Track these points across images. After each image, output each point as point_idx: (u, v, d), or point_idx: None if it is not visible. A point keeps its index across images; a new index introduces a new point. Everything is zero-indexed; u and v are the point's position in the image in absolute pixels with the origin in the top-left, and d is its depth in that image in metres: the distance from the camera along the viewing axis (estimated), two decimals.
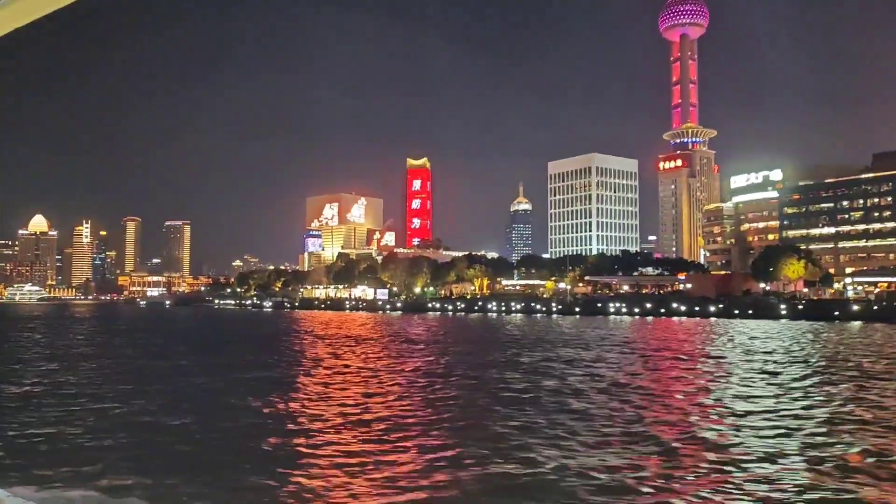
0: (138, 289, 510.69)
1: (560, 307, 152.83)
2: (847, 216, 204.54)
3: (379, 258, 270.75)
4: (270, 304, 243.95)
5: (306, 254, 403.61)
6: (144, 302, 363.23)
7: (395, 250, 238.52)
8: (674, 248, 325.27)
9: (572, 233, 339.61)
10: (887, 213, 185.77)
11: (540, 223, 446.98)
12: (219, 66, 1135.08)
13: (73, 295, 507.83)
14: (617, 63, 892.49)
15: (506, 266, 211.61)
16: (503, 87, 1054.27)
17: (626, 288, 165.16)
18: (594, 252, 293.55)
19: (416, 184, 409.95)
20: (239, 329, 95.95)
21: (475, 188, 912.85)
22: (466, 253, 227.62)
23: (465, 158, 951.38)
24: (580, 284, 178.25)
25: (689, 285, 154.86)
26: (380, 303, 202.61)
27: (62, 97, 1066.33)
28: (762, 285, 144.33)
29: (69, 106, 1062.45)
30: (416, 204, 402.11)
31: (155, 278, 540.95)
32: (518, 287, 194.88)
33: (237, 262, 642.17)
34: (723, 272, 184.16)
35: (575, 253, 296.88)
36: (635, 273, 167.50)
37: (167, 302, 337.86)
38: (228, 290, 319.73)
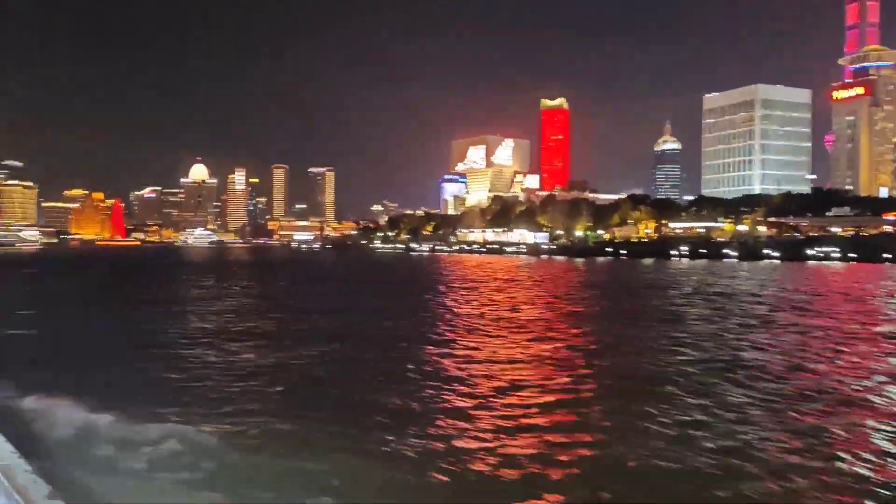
0: (287, 233, 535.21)
1: (744, 251, 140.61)
2: None
3: (523, 200, 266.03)
4: (427, 248, 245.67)
5: (450, 198, 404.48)
6: (305, 246, 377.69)
7: (552, 192, 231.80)
8: (849, 187, 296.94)
9: (731, 172, 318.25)
10: None
11: (689, 163, 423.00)
12: (357, 13, 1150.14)
13: (232, 238, 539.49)
14: None
15: (673, 207, 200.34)
16: (643, 19, 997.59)
17: (816, 231, 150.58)
18: (757, 192, 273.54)
19: (552, 125, 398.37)
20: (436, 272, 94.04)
21: (615, 128, 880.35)
22: (629, 193, 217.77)
23: (603, 97, 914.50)
24: (761, 227, 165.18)
25: None
26: (543, 246, 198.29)
27: (214, 53, 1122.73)
28: None
29: (221, 59, 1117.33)
30: (552, 146, 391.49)
31: (302, 223, 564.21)
32: (689, 229, 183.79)
33: (376, 207, 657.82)
34: None
35: (734, 194, 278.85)
36: (828, 213, 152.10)
37: (326, 245, 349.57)
38: (379, 234, 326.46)
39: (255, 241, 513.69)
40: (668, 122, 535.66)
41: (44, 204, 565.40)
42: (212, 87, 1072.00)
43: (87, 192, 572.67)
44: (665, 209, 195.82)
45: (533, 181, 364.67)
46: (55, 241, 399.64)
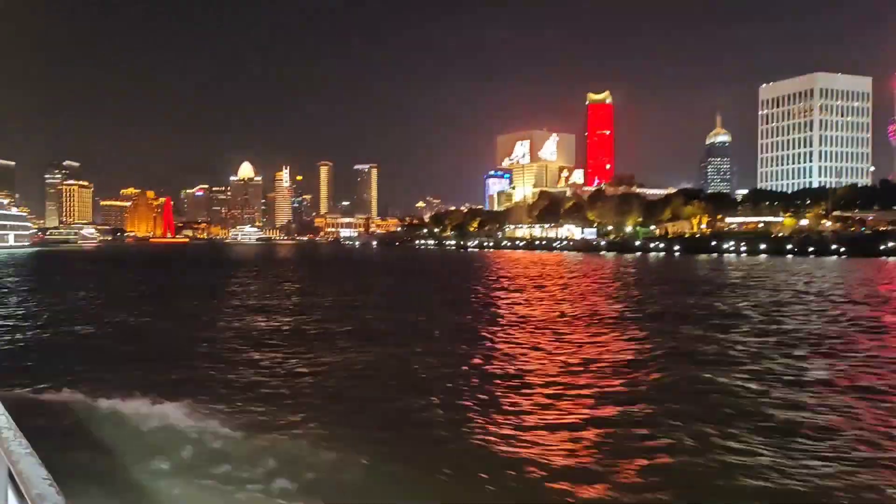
0: (332, 230, 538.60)
1: (809, 247, 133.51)
2: None
3: (571, 196, 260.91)
4: (474, 244, 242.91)
5: (495, 194, 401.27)
6: (349, 243, 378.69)
7: (601, 187, 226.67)
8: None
9: (788, 164, 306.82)
10: None
11: (743, 155, 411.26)
12: (401, 11, 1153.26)
13: (279, 235, 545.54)
14: None
15: (728, 201, 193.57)
16: (689, 9, 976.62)
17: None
18: (815, 185, 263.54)
19: (598, 120, 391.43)
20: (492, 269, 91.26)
21: (662, 121, 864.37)
22: (680, 188, 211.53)
23: (651, 90, 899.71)
24: (823, 221, 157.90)
25: None
26: (594, 243, 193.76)
27: (261, 52, 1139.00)
28: None
29: (268, 58, 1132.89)
30: (597, 141, 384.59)
31: (346, 219, 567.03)
32: (745, 224, 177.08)
33: (420, 203, 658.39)
34: None
35: (791, 187, 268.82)
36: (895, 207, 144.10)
37: (372, 242, 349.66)
38: (425, 231, 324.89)
39: (300, 238, 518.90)
40: (719, 114, 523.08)
41: (101, 202, 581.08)
42: (258, 86, 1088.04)
43: (140, 190, 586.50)
44: (719, 203, 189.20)
45: (578, 176, 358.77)
46: (110, 238, 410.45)
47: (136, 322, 33.35)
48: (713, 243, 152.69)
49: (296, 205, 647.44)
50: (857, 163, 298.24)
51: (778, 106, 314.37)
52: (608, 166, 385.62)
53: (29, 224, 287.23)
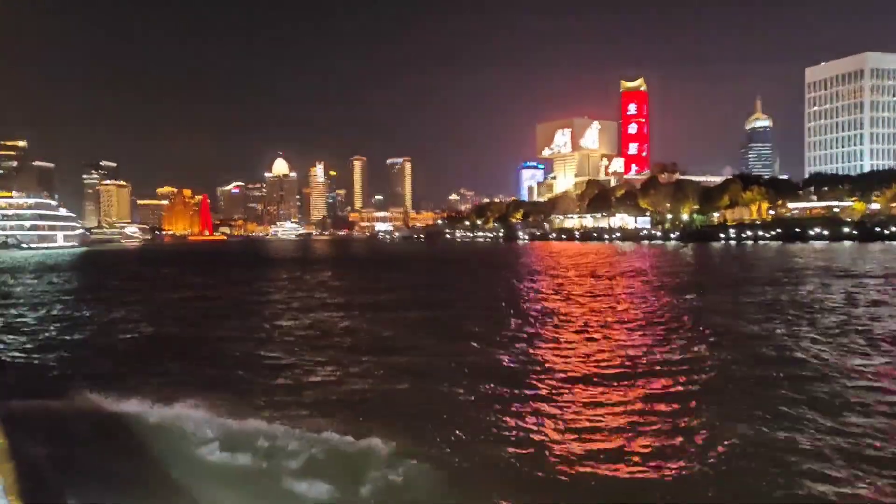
0: (367, 224, 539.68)
1: None
2: None
3: (621, 184, 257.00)
4: (527, 235, 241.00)
5: (534, 185, 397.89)
6: (389, 237, 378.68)
7: (654, 175, 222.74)
8: None
9: (838, 147, 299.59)
10: None
11: (784, 140, 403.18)
12: (431, 5, 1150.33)
13: (315, 231, 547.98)
14: None
15: (788, 187, 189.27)
16: None
17: None
18: (867, 168, 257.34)
19: (632, 107, 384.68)
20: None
21: (698, 108, 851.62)
22: (735, 174, 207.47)
23: (685, 76, 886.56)
24: (893, 204, 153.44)
25: None
26: (654, 233, 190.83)
27: (292, 48, 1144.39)
28: None
29: (303, 57, 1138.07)
30: (632, 129, 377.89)
31: (381, 213, 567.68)
32: (809, 210, 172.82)
33: (454, 196, 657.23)
34: None
35: (842, 171, 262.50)
36: None
37: (415, 236, 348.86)
38: (467, 223, 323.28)
39: (338, 233, 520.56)
40: (759, 98, 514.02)
41: (139, 202, 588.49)
42: (291, 81, 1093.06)
43: (176, 189, 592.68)
44: (780, 188, 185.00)
45: (619, 165, 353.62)
46: (149, 237, 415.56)
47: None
48: (787, 230, 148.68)
49: (330, 200, 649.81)
50: None
51: (826, 88, 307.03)
52: (644, 154, 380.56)
53: (77, 224, 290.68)
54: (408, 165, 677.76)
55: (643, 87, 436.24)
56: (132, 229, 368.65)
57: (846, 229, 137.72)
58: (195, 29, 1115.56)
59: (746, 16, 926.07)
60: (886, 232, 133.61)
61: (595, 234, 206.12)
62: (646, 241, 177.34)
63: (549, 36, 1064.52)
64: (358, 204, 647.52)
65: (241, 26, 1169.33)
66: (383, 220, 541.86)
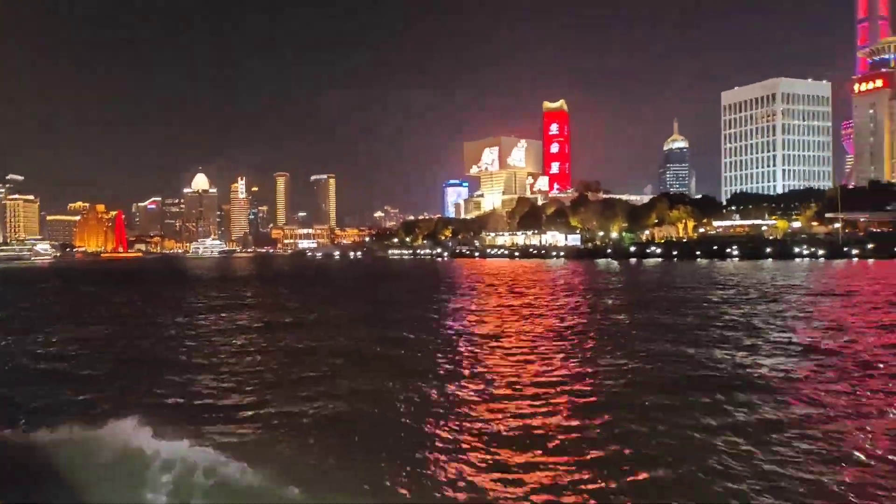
0: (290, 241, 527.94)
1: (823, 249, 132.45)
2: None
3: (550, 202, 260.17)
4: (454, 252, 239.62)
5: (461, 202, 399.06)
6: (319, 253, 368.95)
7: (584, 193, 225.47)
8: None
9: (753, 168, 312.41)
10: None
11: (700, 160, 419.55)
12: (357, 17, 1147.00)
13: (235, 248, 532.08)
14: None
15: (712, 205, 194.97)
16: (647, 18, 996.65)
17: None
18: (780, 189, 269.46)
19: (554, 127, 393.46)
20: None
21: (617, 128, 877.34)
22: (664, 192, 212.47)
23: (607, 97, 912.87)
24: (815, 223, 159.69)
25: None
26: (584, 248, 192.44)
27: (212, 61, 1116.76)
28: None
29: (224, 68, 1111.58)
30: (554, 148, 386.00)
31: (305, 230, 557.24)
32: (733, 228, 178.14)
33: (378, 213, 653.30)
34: None
35: (755, 190, 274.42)
36: (888, 208, 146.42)
37: (344, 253, 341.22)
38: (395, 241, 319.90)
39: (259, 251, 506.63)
40: (676, 120, 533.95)
41: (48, 217, 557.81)
42: (211, 95, 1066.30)
43: (89, 204, 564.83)
44: (706, 208, 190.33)
45: (544, 183, 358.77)
46: (59, 254, 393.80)
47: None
48: (715, 247, 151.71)
49: (252, 216, 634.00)
50: (819, 166, 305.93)
51: (740, 111, 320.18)
52: (567, 172, 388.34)
53: None
54: (332, 182, 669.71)
55: (564, 108, 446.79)
56: (43, 246, 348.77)
57: (769, 248, 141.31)
58: (109, 38, 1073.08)
59: (664, 41, 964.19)
60: (806, 251, 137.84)
61: (533, 252, 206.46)
62: (581, 259, 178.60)
63: (472, 57, 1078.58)
64: (281, 220, 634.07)
65: (157, 36, 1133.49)
66: (307, 236, 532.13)
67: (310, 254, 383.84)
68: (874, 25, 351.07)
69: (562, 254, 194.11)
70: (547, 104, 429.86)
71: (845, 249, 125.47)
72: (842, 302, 46.76)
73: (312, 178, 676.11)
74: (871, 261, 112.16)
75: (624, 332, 32.70)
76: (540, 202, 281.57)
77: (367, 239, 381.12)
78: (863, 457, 13.80)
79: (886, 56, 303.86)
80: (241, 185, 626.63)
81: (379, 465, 13.64)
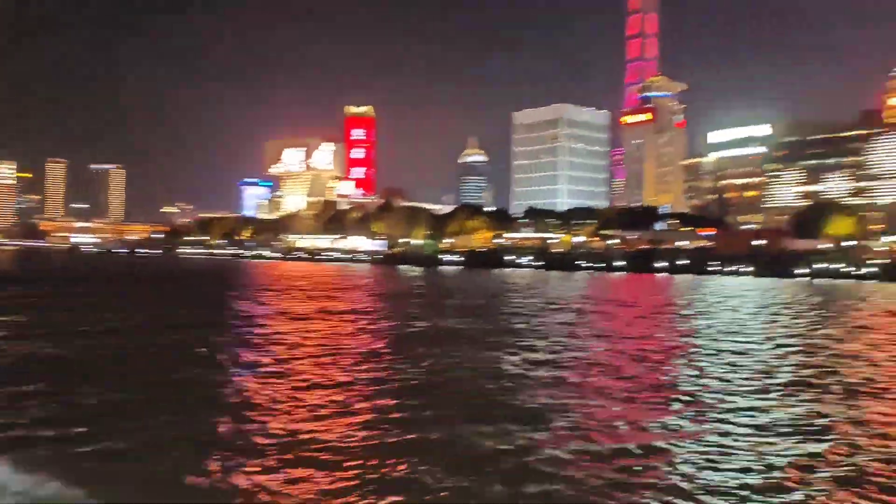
0: (65, 234, 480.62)
1: (600, 263, 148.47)
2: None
3: (355, 207, 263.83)
4: (253, 252, 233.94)
5: (266, 202, 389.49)
6: (125, 249, 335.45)
7: (389, 199, 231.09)
8: (637, 205, 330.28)
9: (539, 185, 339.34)
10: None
11: (497, 174, 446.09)
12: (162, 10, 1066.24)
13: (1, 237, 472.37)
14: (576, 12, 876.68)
15: (507, 218, 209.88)
16: (456, 37, 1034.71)
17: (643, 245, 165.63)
18: (563, 206, 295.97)
19: (359, 132, 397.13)
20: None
21: (422, 138, 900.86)
22: (462, 203, 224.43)
23: (411, 105, 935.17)
24: (595, 238, 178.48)
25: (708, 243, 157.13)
26: (386, 255, 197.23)
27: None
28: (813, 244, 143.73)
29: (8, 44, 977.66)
30: (359, 153, 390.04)
31: (83, 224, 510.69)
32: (524, 240, 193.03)
33: (169, 209, 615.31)
34: (749, 228, 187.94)
35: (540, 206, 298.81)
36: (655, 227, 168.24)
37: (132, 249, 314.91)
38: (190, 238, 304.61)
39: (28, 244, 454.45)
40: (473, 136, 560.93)
41: None
42: None
43: None
44: (501, 220, 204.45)
45: (348, 187, 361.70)
46: None
47: None
48: (507, 258, 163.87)
49: (22, 205, 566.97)
50: (596, 187, 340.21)
51: (529, 132, 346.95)
52: (370, 179, 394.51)
53: None
54: (118, 173, 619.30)
55: (371, 114, 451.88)
56: None
57: (556, 260, 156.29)
58: None
59: (462, 54, 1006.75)
60: (585, 264, 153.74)
61: (337, 256, 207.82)
62: (385, 264, 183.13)
63: (275, 56, 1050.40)
64: (55, 211, 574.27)
65: None
66: (85, 230, 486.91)
67: (86, 249, 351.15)
68: (644, 64, 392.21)
69: (366, 258, 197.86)
70: (350, 108, 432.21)
71: (615, 264, 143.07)
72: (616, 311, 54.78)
73: (93, 166, 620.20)
74: (625, 274, 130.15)
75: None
76: (345, 206, 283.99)
77: (152, 235, 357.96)
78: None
79: (652, 93, 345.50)
80: (8, 170, 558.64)
81: None
